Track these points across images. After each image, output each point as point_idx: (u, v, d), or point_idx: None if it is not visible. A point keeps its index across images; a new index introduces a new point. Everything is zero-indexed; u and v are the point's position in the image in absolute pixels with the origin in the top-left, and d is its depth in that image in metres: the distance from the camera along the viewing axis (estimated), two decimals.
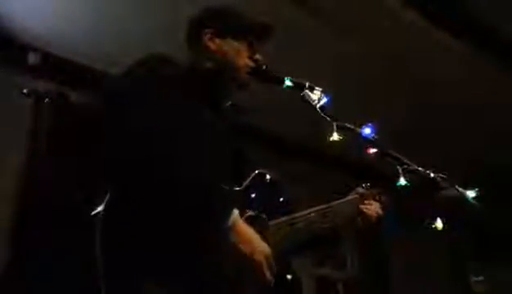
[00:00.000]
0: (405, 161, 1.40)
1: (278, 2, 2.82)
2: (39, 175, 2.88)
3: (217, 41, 1.48)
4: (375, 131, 1.39)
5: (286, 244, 1.33)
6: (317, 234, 1.45)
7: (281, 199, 1.41)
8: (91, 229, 1.04)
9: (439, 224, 1.50)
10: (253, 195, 1.32)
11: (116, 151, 1.09)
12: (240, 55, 1.47)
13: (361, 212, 1.58)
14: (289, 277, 1.36)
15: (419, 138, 4.09)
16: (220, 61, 1.46)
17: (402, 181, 1.40)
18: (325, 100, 1.40)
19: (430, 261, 5.00)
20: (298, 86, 1.44)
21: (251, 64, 1.48)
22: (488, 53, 3.40)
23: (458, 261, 4.81)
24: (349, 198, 1.61)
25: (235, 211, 1.15)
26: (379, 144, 1.40)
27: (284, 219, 1.34)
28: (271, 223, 1.30)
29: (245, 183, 1.34)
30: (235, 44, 1.48)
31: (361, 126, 1.40)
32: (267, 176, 1.41)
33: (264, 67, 1.49)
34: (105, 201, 1.07)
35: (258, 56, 1.50)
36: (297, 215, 1.39)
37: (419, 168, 1.40)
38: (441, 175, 1.41)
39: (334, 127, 1.36)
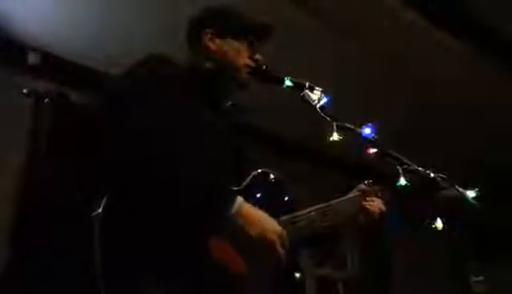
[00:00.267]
0: (405, 161, 1.40)
1: (278, 2, 2.82)
2: (39, 175, 2.88)
3: (218, 41, 1.48)
4: (375, 131, 1.39)
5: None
6: (318, 233, 1.45)
7: (284, 198, 1.41)
8: (90, 230, 1.04)
9: (439, 224, 1.50)
10: (254, 193, 1.32)
11: (116, 151, 1.09)
12: (240, 55, 1.47)
13: (364, 209, 1.58)
14: (297, 275, 1.36)
15: (419, 138, 4.09)
16: (220, 61, 1.46)
17: (402, 181, 1.40)
18: (325, 100, 1.40)
19: (430, 261, 5.00)
20: (298, 86, 1.44)
21: (251, 64, 1.48)
22: (488, 53, 3.40)
23: (458, 261, 4.81)
24: (351, 195, 1.61)
25: (239, 198, 1.15)
26: (379, 144, 1.40)
27: (285, 218, 1.34)
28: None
29: (245, 182, 1.34)
30: (236, 44, 1.48)
31: (361, 126, 1.39)
32: (271, 176, 1.41)
33: (264, 67, 1.49)
34: (105, 201, 1.07)
35: (258, 56, 1.50)
36: (298, 213, 1.39)
37: (419, 168, 1.40)
38: (441, 175, 1.41)
39: (334, 127, 1.36)
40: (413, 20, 2.99)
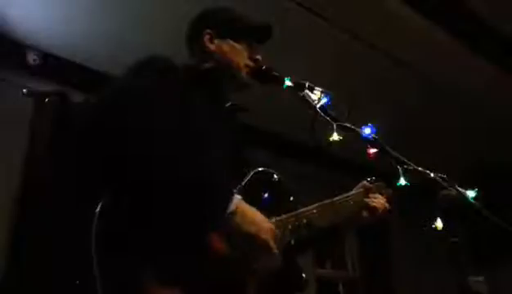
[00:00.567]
0: (405, 161, 1.40)
1: (278, 2, 2.82)
2: (39, 175, 2.88)
3: (217, 41, 1.48)
4: (375, 131, 1.39)
5: (289, 240, 1.33)
6: (320, 231, 1.44)
7: (284, 197, 1.41)
8: (90, 230, 1.04)
9: (439, 224, 1.50)
10: (254, 192, 1.32)
11: (116, 151, 1.09)
12: (240, 56, 1.48)
13: (367, 205, 1.58)
14: (303, 275, 1.37)
15: (419, 138, 4.10)
16: (220, 61, 1.46)
17: (402, 181, 1.40)
18: (325, 100, 1.40)
19: (430, 261, 5.01)
20: (298, 86, 1.44)
21: (251, 64, 1.48)
22: (488, 53, 3.40)
23: (458, 261, 4.81)
24: (354, 192, 1.61)
25: (237, 196, 1.15)
26: (379, 144, 1.40)
27: (286, 216, 1.34)
28: (274, 220, 1.30)
29: (245, 181, 1.34)
30: (235, 44, 1.48)
31: (361, 126, 1.40)
32: (271, 175, 1.41)
33: (264, 67, 1.49)
34: (104, 201, 1.07)
35: (257, 56, 1.50)
36: (299, 211, 1.39)
37: (419, 168, 1.40)
38: (441, 175, 1.41)
39: (334, 127, 1.36)
40: (413, 19, 2.99)
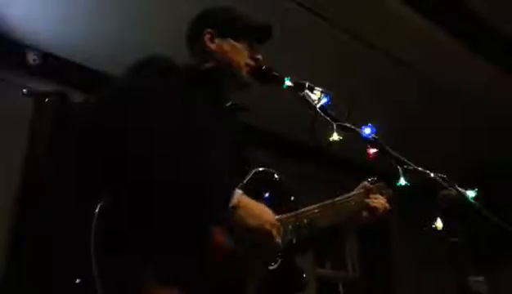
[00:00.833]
0: (405, 161, 1.40)
1: (278, 2, 2.82)
2: (39, 175, 2.88)
3: (218, 41, 1.48)
4: (375, 131, 1.39)
5: (290, 239, 1.33)
6: (321, 231, 1.45)
7: (284, 196, 1.41)
8: (90, 230, 1.04)
9: (439, 224, 1.50)
10: (255, 191, 1.32)
11: (116, 151, 1.09)
12: (241, 55, 1.48)
13: (367, 205, 1.58)
14: (304, 275, 1.37)
15: (419, 138, 4.09)
16: (220, 61, 1.46)
17: (402, 181, 1.40)
18: (325, 100, 1.39)
19: (430, 261, 5.01)
20: (298, 86, 1.44)
21: (251, 63, 1.48)
22: (488, 53, 3.40)
23: (458, 261, 4.80)
24: (354, 192, 1.62)
25: (239, 191, 1.15)
26: (379, 144, 1.40)
27: (287, 215, 1.34)
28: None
29: (246, 180, 1.34)
30: (236, 44, 1.48)
31: (361, 126, 1.40)
32: (271, 174, 1.41)
33: (264, 67, 1.49)
34: (104, 201, 1.07)
35: (258, 56, 1.50)
36: (300, 211, 1.39)
37: (419, 168, 1.40)
38: (441, 175, 1.41)
39: (334, 127, 1.36)
40: (413, 20, 2.99)
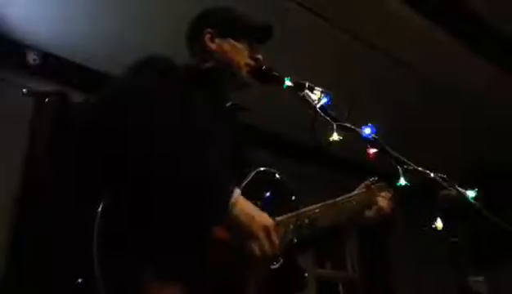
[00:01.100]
0: (405, 161, 1.40)
1: (278, 2, 2.82)
2: (39, 175, 2.88)
3: (218, 40, 1.48)
4: (375, 131, 1.39)
5: (291, 239, 1.33)
6: (322, 231, 1.44)
7: (285, 196, 1.41)
8: (90, 229, 1.04)
9: (439, 224, 1.50)
10: (255, 191, 1.32)
11: (116, 151, 1.09)
12: (241, 55, 1.48)
13: (375, 204, 1.59)
14: (306, 275, 1.37)
15: (419, 138, 4.09)
16: (220, 61, 1.46)
17: (402, 181, 1.40)
18: (325, 100, 1.39)
19: (430, 261, 5.01)
20: (298, 86, 1.44)
21: (251, 63, 1.48)
22: (488, 53, 3.40)
23: (458, 261, 4.81)
24: (356, 192, 1.62)
25: (237, 190, 1.15)
26: (379, 144, 1.40)
27: (288, 215, 1.34)
28: (276, 219, 1.30)
29: (246, 181, 1.34)
30: (236, 44, 1.48)
31: (361, 126, 1.39)
32: (272, 174, 1.41)
33: (264, 67, 1.49)
34: (105, 200, 1.07)
35: (258, 56, 1.50)
36: (301, 211, 1.39)
37: (419, 168, 1.40)
38: (441, 175, 1.41)
39: (334, 127, 1.36)
40: (413, 20, 2.99)
